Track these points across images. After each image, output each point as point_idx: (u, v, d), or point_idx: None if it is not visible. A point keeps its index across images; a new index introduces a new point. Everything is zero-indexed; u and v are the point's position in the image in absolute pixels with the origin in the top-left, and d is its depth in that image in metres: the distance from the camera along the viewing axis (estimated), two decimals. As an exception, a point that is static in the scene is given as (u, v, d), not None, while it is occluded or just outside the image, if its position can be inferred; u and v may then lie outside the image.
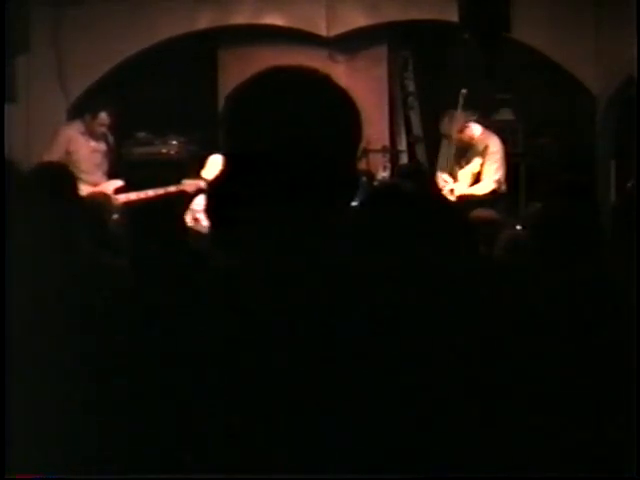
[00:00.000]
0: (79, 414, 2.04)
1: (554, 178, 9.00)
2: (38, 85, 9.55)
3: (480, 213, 7.18)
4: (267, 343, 1.49)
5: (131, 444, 1.54)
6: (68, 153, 8.29)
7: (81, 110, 8.94)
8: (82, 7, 9.55)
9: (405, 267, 1.71)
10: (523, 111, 9.53)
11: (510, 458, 1.57)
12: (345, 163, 1.60)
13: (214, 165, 7.90)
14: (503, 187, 8.44)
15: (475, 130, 8.41)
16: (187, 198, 7.86)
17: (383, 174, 9.29)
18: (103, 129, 8.34)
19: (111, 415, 1.56)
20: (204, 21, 9.80)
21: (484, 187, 8.31)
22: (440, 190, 8.10)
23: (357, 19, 9.77)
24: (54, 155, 8.12)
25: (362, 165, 8.71)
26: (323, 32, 9.77)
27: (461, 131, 8.31)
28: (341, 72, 9.40)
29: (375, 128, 9.31)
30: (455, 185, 8.32)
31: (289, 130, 1.55)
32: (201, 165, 8.22)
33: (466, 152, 8.42)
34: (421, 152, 10.02)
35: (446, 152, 8.65)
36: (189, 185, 8.11)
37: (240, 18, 9.81)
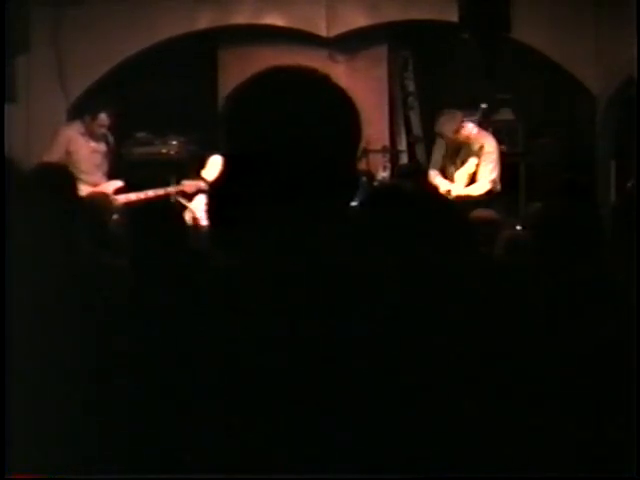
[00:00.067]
0: (79, 414, 2.04)
1: (554, 178, 9.01)
2: (38, 85, 9.55)
3: (480, 213, 7.18)
4: (267, 343, 1.49)
5: (131, 444, 1.54)
6: (68, 153, 8.29)
7: (81, 110, 8.94)
8: (82, 7, 9.55)
9: (405, 267, 1.71)
10: (523, 111, 9.53)
11: (510, 458, 1.57)
12: (344, 163, 1.60)
13: (214, 165, 7.90)
14: (498, 187, 8.44)
15: (471, 129, 8.41)
16: (187, 198, 7.87)
17: (383, 174, 9.29)
18: (103, 129, 8.34)
19: (111, 415, 1.56)
20: (204, 21, 9.80)
21: (480, 187, 8.31)
22: (439, 190, 8.11)
23: (357, 19, 9.77)
24: (54, 155, 8.12)
25: (362, 165, 8.71)
26: (323, 32, 9.77)
27: (457, 130, 8.31)
28: (341, 72, 9.40)
29: (375, 128, 9.31)
30: (452, 186, 8.32)
31: (288, 130, 1.55)
32: (201, 165, 8.22)
33: (460, 151, 8.42)
34: (421, 152, 10.02)
35: (439, 151, 8.65)
36: (189, 185, 8.11)
37: (240, 18, 9.81)
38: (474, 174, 8.36)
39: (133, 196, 8.04)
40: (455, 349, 1.54)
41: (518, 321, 2.89)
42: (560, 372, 2.86)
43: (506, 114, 9.48)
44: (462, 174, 8.36)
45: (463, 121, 8.37)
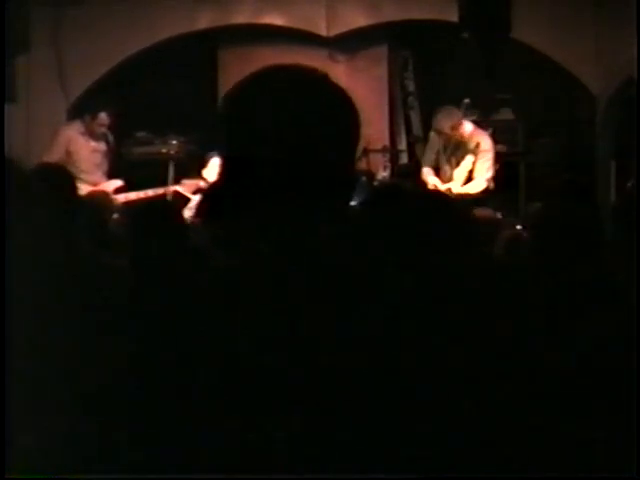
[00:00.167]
0: (79, 414, 2.04)
1: (554, 178, 9.02)
2: (38, 85, 9.55)
3: (479, 213, 7.18)
4: (267, 343, 1.49)
5: (131, 444, 1.54)
6: (68, 153, 8.29)
7: (81, 110, 8.94)
8: (82, 7, 9.55)
9: (405, 267, 1.71)
10: (523, 111, 9.53)
11: (510, 458, 1.57)
12: (343, 162, 1.60)
13: (216, 165, 7.90)
14: (491, 185, 8.45)
15: (467, 128, 8.42)
16: (187, 198, 7.87)
17: (383, 174, 9.29)
18: (103, 129, 8.34)
19: (111, 415, 1.56)
20: (204, 21, 9.80)
21: (477, 185, 8.33)
22: (439, 189, 8.12)
23: (357, 19, 9.77)
24: (54, 155, 8.12)
25: (362, 165, 8.71)
26: (323, 32, 9.77)
27: (455, 127, 8.32)
28: (341, 72, 9.40)
29: (375, 128, 9.31)
30: (450, 185, 8.32)
31: (286, 129, 1.54)
32: (201, 165, 8.22)
33: (456, 149, 8.43)
34: (421, 152, 10.02)
35: (433, 148, 8.65)
36: (189, 185, 8.11)
37: (240, 18, 9.81)
38: (470, 172, 8.37)
39: (133, 195, 8.04)
40: (455, 349, 1.54)
41: (518, 321, 2.88)
42: (560, 372, 2.86)
43: (506, 114, 9.48)
44: (461, 172, 8.36)
45: (460, 118, 8.39)
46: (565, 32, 9.17)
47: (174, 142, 9.50)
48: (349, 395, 1.47)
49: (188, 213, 7.09)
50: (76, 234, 3.30)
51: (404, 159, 9.95)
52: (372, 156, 9.03)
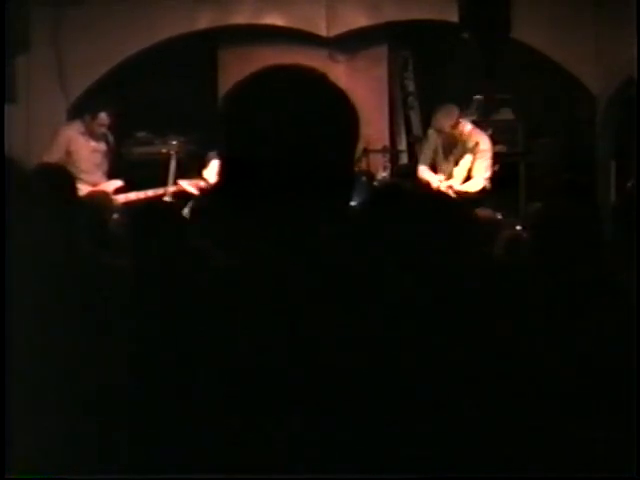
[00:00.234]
0: (79, 414, 2.04)
1: (554, 178, 9.02)
2: (38, 85, 9.55)
3: (479, 213, 7.18)
4: (267, 343, 1.49)
5: (131, 444, 1.54)
6: (68, 153, 8.29)
7: (81, 110, 8.94)
8: (82, 7, 9.55)
9: (405, 266, 1.70)
10: (523, 111, 9.53)
11: (510, 458, 1.57)
12: (343, 162, 1.60)
13: (216, 165, 7.90)
14: (489, 185, 8.46)
15: (466, 127, 8.43)
16: (187, 197, 7.87)
17: (383, 174, 9.29)
18: (103, 129, 8.34)
19: (111, 415, 1.56)
20: (204, 21, 9.80)
21: (475, 184, 8.33)
22: (440, 188, 8.12)
23: (357, 19, 9.77)
24: (54, 155, 8.12)
25: (362, 165, 8.71)
26: (323, 32, 9.77)
27: (454, 126, 8.32)
28: (341, 72, 9.40)
29: (375, 128, 9.31)
30: (451, 182, 8.33)
31: (286, 129, 1.54)
32: (201, 165, 8.22)
33: (454, 148, 8.43)
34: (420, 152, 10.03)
35: (430, 146, 8.65)
36: (189, 185, 8.12)
37: (240, 18, 9.81)
38: (469, 171, 8.38)
39: (133, 195, 8.05)
40: (455, 349, 1.54)
41: (518, 321, 2.89)
42: (560, 372, 2.86)
43: (506, 114, 9.48)
44: (460, 170, 8.36)
45: (460, 117, 8.39)
46: (565, 32, 9.17)
47: (174, 142, 9.49)
48: (349, 395, 1.47)
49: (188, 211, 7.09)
50: (76, 234, 3.29)
51: (404, 159, 9.95)
52: (372, 156, 9.03)
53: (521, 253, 4.46)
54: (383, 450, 1.47)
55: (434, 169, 8.56)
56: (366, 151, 8.74)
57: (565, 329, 3.01)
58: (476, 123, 8.63)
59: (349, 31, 9.78)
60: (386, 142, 9.76)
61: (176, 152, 9.37)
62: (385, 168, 9.49)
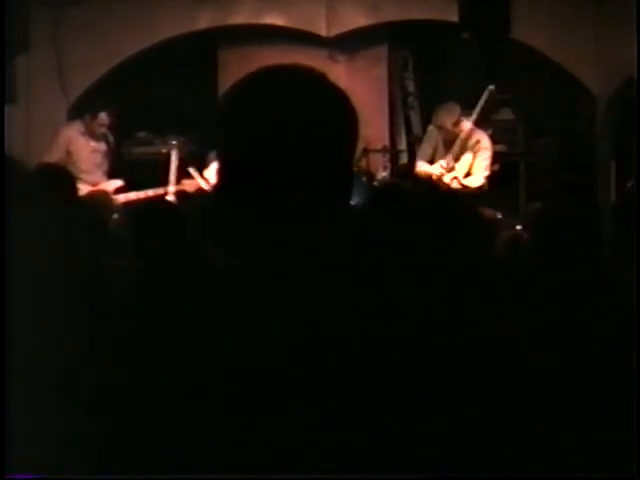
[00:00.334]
0: (79, 414, 2.04)
1: (554, 178, 9.02)
2: (38, 85, 9.55)
3: (480, 212, 7.15)
4: (268, 343, 1.49)
5: (131, 444, 1.54)
6: (68, 153, 8.29)
7: (81, 110, 8.94)
8: (82, 7, 9.55)
9: (405, 266, 1.70)
10: (523, 111, 9.53)
11: (510, 458, 1.57)
12: (343, 162, 1.60)
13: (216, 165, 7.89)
14: (487, 184, 8.48)
15: (467, 125, 8.44)
16: (187, 198, 7.87)
17: (383, 174, 9.30)
18: (103, 129, 8.34)
19: (111, 415, 1.56)
20: (204, 21, 9.80)
21: (475, 181, 8.34)
22: (440, 188, 8.12)
23: (357, 19, 9.77)
24: (54, 155, 8.13)
25: (362, 165, 8.72)
26: (323, 32, 9.77)
27: (456, 123, 8.34)
28: (341, 72, 9.41)
29: (375, 128, 9.31)
30: (455, 173, 8.33)
31: (285, 129, 1.54)
32: (201, 165, 8.23)
33: (455, 145, 8.44)
34: (421, 152, 10.02)
35: (430, 143, 8.65)
36: (189, 185, 8.12)
37: (240, 18, 9.81)
38: (469, 169, 8.39)
39: (133, 195, 8.05)
40: (455, 349, 1.54)
41: (517, 321, 2.89)
42: (560, 372, 2.86)
43: (506, 114, 9.48)
44: (461, 168, 8.37)
45: (461, 115, 8.41)
46: (565, 32, 9.17)
47: (174, 142, 9.50)
48: (349, 395, 1.47)
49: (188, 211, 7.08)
50: (76, 234, 3.30)
51: (404, 159, 9.95)
52: (372, 156, 9.04)
53: (521, 253, 4.46)
54: (383, 450, 1.47)
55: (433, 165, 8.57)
56: (366, 151, 8.74)
57: (565, 329, 3.01)
58: (476, 123, 8.63)
59: (349, 31, 9.78)
60: (386, 142, 9.76)
61: (176, 152, 9.38)
62: (385, 168, 9.49)
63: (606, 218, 3.76)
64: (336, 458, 1.46)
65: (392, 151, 9.74)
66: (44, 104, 9.46)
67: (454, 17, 8.69)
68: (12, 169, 2.64)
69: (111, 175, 8.41)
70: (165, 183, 8.31)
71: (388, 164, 9.57)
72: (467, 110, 8.56)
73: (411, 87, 10.29)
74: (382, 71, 10.07)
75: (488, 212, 7.90)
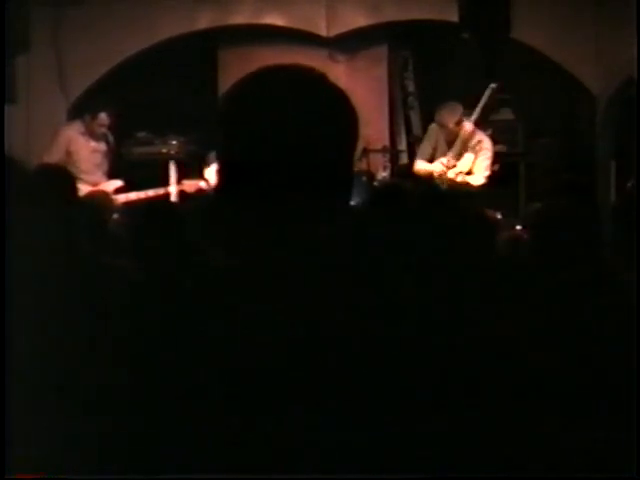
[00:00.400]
0: (79, 414, 2.04)
1: (554, 178, 9.03)
2: (38, 85, 9.55)
3: (480, 213, 7.16)
4: (267, 343, 1.49)
5: (131, 444, 1.54)
6: (68, 153, 8.29)
7: (81, 110, 8.94)
8: (82, 7, 9.55)
9: (405, 266, 1.70)
10: (523, 111, 9.53)
11: (510, 458, 1.57)
12: (342, 162, 1.60)
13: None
14: (488, 184, 8.49)
15: (468, 125, 8.45)
16: (187, 198, 7.88)
17: (383, 174, 9.30)
18: (103, 129, 8.34)
19: (111, 415, 1.56)
20: (204, 21, 9.80)
21: (476, 180, 8.35)
22: (440, 188, 8.13)
23: (357, 19, 9.77)
24: (54, 155, 8.13)
25: (362, 165, 8.72)
26: (323, 32, 9.77)
27: (458, 123, 8.35)
28: (341, 72, 9.41)
29: (375, 128, 9.32)
30: (459, 168, 8.33)
31: (285, 129, 1.54)
32: (201, 165, 8.23)
33: (456, 145, 8.44)
34: (421, 152, 10.02)
35: (430, 142, 8.65)
36: (189, 185, 8.12)
37: (240, 18, 9.81)
38: (469, 169, 8.40)
39: (133, 195, 8.05)
40: (455, 348, 1.54)
41: (517, 321, 2.89)
42: (560, 372, 2.86)
43: (506, 114, 9.48)
44: (462, 167, 8.38)
45: (463, 114, 8.42)
46: (565, 32, 9.18)
47: (174, 142, 9.50)
48: (349, 395, 1.47)
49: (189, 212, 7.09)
50: (76, 234, 3.30)
51: (404, 159, 9.95)
52: (372, 156, 9.04)
53: (521, 253, 4.46)
54: (383, 450, 1.47)
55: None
56: (366, 151, 8.74)
57: (565, 329, 3.01)
58: (477, 122, 8.64)
59: (349, 31, 9.79)
60: (386, 142, 9.77)
61: (176, 152, 9.39)
62: (385, 168, 9.50)
63: (606, 218, 3.76)
64: (336, 458, 1.46)
65: (392, 151, 9.74)
66: (44, 104, 9.46)
67: (454, 17, 8.70)
68: (12, 169, 2.64)
69: (111, 175, 8.41)
70: (165, 183, 8.31)
71: (388, 164, 9.57)
72: (468, 110, 8.57)
73: (411, 87, 10.29)
74: (382, 71, 10.07)
75: (488, 212, 7.91)
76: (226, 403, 1.48)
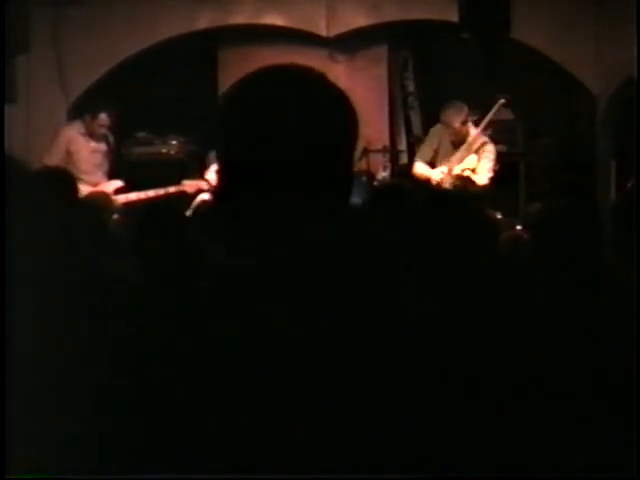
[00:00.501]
0: (79, 414, 2.05)
1: (554, 178, 9.02)
2: (38, 85, 9.55)
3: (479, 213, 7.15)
4: (267, 343, 1.49)
5: (131, 444, 1.54)
6: (68, 153, 8.29)
7: (81, 110, 8.94)
8: (82, 7, 9.55)
9: (405, 266, 1.71)
10: (523, 111, 9.53)
11: (510, 458, 1.57)
12: (342, 162, 1.60)
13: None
14: (490, 186, 8.49)
15: (472, 128, 8.46)
16: (187, 198, 7.87)
17: (383, 174, 9.30)
18: (103, 129, 8.34)
19: (111, 415, 1.56)
20: (204, 21, 9.80)
21: (479, 180, 8.35)
22: (440, 188, 8.14)
23: (357, 19, 9.77)
24: (54, 156, 8.13)
25: (362, 165, 8.72)
26: (323, 32, 9.77)
27: (464, 123, 8.35)
28: (341, 72, 9.41)
29: (375, 128, 9.31)
30: (465, 165, 8.32)
31: (284, 129, 1.54)
32: (201, 165, 8.23)
33: (459, 145, 8.44)
34: (421, 152, 10.02)
35: (431, 144, 8.64)
36: (189, 185, 8.12)
37: (240, 18, 9.81)
38: (472, 170, 8.40)
39: (133, 196, 8.05)
40: (455, 348, 1.54)
41: (517, 321, 2.89)
42: (560, 371, 2.86)
43: (506, 114, 9.48)
44: (465, 167, 8.38)
45: (468, 114, 8.42)
46: (565, 32, 9.18)
47: (174, 142, 9.50)
48: (349, 395, 1.47)
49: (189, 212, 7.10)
50: (76, 234, 3.30)
51: (404, 159, 9.95)
52: (372, 156, 9.04)
53: (521, 253, 4.46)
54: (383, 450, 1.47)
55: (432, 167, 8.57)
56: (366, 151, 8.74)
57: (565, 329, 3.01)
58: (475, 123, 8.64)
59: (349, 31, 9.79)
60: (386, 142, 9.76)
61: (176, 152, 9.39)
62: (385, 168, 9.49)
63: (606, 218, 3.75)
64: (336, 458, 1.46)
65: (392, 151, 9.74)
66: (44, 104, 9.46)
67: (454, 17, 8.69)
68: (12, 169, 2.64)
69: (111, 175, 8.41)
70: (165, 183, 8.30)
71: (388, 164, 9.57)
72: (470, 110, 8.57)
73: (411, 87, 10.29)
74: (382, 71, 10.07)
75: (489, 212, 7.91)
76: (226, 403, 1.48)
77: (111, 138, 8.45)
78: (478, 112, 8.89)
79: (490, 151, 8.42)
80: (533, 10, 9.02)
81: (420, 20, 9.59)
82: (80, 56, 9.57)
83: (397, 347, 1.50)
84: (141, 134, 9.58)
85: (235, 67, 9.34)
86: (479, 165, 8.37)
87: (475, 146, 8.40)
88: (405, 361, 1.50)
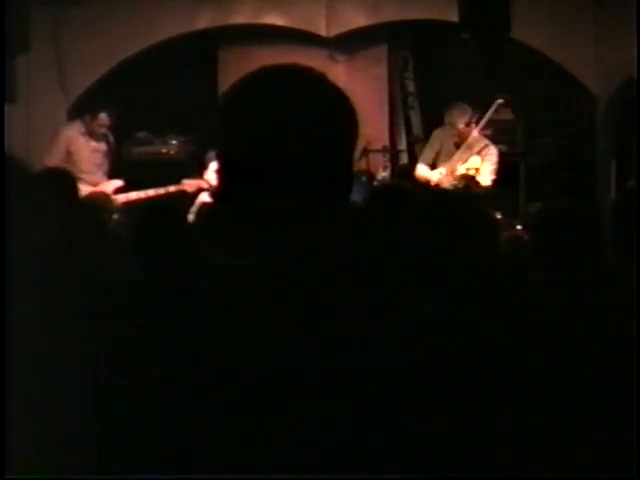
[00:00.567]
0: (79, 414, 2.05)
1: (554, 178, 9.02)
2: (38, 85, 9.55)
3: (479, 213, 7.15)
4: (268, 343, 1.49)
5: (131, 444, 1.54)
6: (68, 153, 8.29)
7: (81, 110, 8.94)
8: (82, 7, 9.55)
9: (406, 266, 1.71)
10: (523, 111, 9.53)
11: (510, 458, 1.57)
12: (342, 162, 1.60)
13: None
14: (492, 188, 8.49)
15: (475, 130, 8.46)
16: (188, 198, 7.87)
17: (383, 174, 9.30)
18: (103, 129, 8.34)
19: (112, 415, 1.56)
20: (204, 21, 9.80)
21: (482, 182, 8.35)
22: (441, 188, 8.14)
23: (357, 19, 9.77)
24: (54, 156, 8.13)
25: (362, 165, 8.72)
26: (323, 32, 9.77)
27: (468, 124, 8.36)
28: (341, 72, 9.41)
29: (375, 128, 9.31)
30: (470, 164, 8.32)
31: (284, 129, 1.54)
32: (201, 165, 8.22)
33: (461, 147, 8.44)
34: (421, 152, 10.02)
35: (433, 147, 8.65)
36: (189, 184, 8.12)
37: (240, 18, 9.81)
38: (475, 171, 8.40)
39: (133, 195, 8.05)
40: (455, 348, 1.54)
41: (517, 321, 2.89)
42: (560, 371, 2.86)
43: (506, 114, 9.48)
44: (472, 164, 8.38)
45: (472, 117, 8.43)
46: (565, 32, 9.17)
47: (174, 142, 9.50)
48: (349, 395, 1.47)
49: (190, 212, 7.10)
50: (76, 235, 3.30)
51: (404, 159, 9.95)
52: (372, 156, 9.03)
53: (521, 253, 4.47)
54: (383, 450, 1.47)
55: (434, 169, 8.57)
56: (366, 151, 8.74)
57: (565, 329, 3.01)
58: (476, 123, 8.64)
59: (349, 31, 9.78)
60: (386, 142, 9.76)
61: (176, 152, 9.39)
62: (385, 168, 9.49)
63: (606, 218, 3.75)
64: (336, 458, 1.46)
65: (392, 151, 9.74)
66: (44, 104, 9.46)
67: (454, 17, 8.69)
68: (12, 169, 2.64)
69: (111, 175, 8.41)
70: (165, 183, 8.30)
71: (388, 164, 9.57)
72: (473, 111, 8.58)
73: (411, 87, 10.29)
74: (382, 71, 10.07)
75: (489, 212, 7.90)
76: (226, 403, 1.48)
77: (111, 138, 8.45)
78: (478, 112, 8.89)
79: (493, 154, 8.44)
80: (533, 10, 9.02)
81: (420, 20, 9.59)
82: (80, 56, 9.57)
83: (397, 347, 1.50)
84: (141, 134, 9.58)
85: (235, 67, 9.34)
86: (482, 167, 8.37)
87: (476, 147, 8.41)
88: (405, 361, 1.50)
